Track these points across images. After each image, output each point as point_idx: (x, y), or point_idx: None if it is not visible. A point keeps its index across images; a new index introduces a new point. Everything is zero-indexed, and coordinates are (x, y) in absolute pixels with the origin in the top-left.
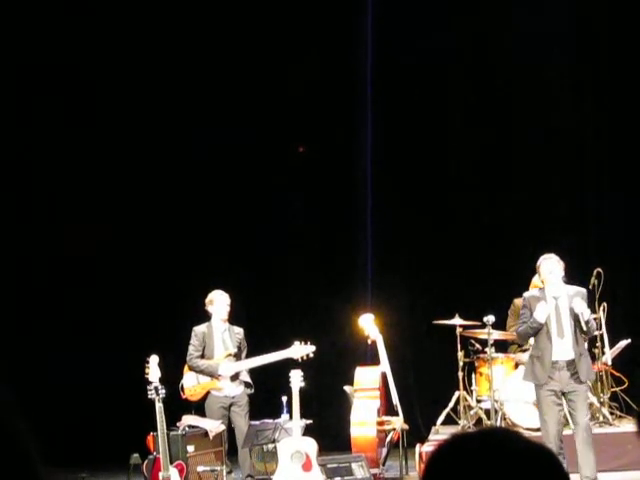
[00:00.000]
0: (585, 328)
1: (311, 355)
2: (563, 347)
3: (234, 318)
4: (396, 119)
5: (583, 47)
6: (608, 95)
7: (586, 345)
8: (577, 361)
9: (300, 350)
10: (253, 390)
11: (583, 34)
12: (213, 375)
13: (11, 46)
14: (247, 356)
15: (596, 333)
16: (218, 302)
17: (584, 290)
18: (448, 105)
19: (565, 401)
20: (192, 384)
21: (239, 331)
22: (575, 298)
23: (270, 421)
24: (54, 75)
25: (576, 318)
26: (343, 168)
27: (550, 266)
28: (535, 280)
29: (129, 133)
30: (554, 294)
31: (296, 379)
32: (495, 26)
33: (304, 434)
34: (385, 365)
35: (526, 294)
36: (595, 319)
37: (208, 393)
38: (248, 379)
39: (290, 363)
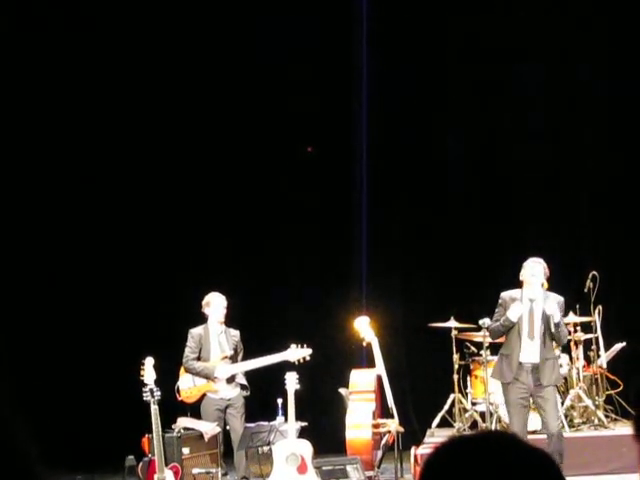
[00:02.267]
0: (554, 331)
1: (307, 358)
2: (531, 349)
3: (231, 320)
4: (392, 121)
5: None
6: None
7: (557, 352)
8: (541, 365)
9: (296, 353)
10: (249, 392)
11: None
12: (209, 377)
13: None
14: (243, 358)
15: (591, 335)
16: (215, 304)
17: (562, 299)
18: (447, 102)
19: (534, 404)
20: (188, 386)
21: (235, 333)
22: (549, 302)
23: (265, 423)
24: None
25: (548, 322)
26: (338, 170)
27: (535, 269)
28: None
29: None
30: (531, 296)
31: (291, 381)
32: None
33: (299, 436)
34: (380, 368)
35: (503, 294)
36: (590, 322)
37: (204, 395)
38: (244, 381)
39: (285, 366)
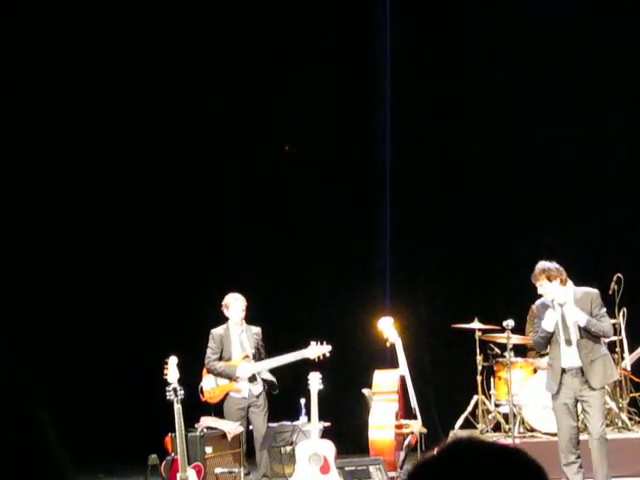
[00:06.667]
0: (594, 330)
1: (327, 355)
2: (571, 354)
3: (253, 318)
4: (414, 123)
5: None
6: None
7: (603, 349)
8: (587, 368)
9: (316, 350)
10: (278, 390)
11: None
12: (231, 377)
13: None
14: (266, 356)
15: (614, 338)
16: (233, 307)
17: (593, 291)
18: (464, 102)
19: (580, 409)
20: (211, 387)
21: (257, 331)
22: (571, 306)
23: (288, 423)
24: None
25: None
26: (361, 167)
27: (540, 277)
28: None
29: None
30: (560, 301)
31: (315, 381)
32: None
33: (322, 437)
34: (404, 368)
35: (536, 303)
36: (614, 324)
37: (227, 395)
38: (270, 377)
39: (309, 365)
